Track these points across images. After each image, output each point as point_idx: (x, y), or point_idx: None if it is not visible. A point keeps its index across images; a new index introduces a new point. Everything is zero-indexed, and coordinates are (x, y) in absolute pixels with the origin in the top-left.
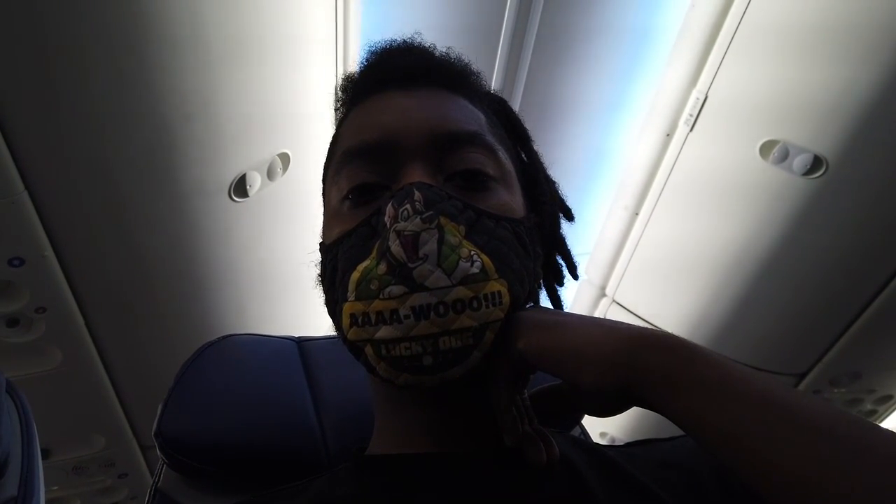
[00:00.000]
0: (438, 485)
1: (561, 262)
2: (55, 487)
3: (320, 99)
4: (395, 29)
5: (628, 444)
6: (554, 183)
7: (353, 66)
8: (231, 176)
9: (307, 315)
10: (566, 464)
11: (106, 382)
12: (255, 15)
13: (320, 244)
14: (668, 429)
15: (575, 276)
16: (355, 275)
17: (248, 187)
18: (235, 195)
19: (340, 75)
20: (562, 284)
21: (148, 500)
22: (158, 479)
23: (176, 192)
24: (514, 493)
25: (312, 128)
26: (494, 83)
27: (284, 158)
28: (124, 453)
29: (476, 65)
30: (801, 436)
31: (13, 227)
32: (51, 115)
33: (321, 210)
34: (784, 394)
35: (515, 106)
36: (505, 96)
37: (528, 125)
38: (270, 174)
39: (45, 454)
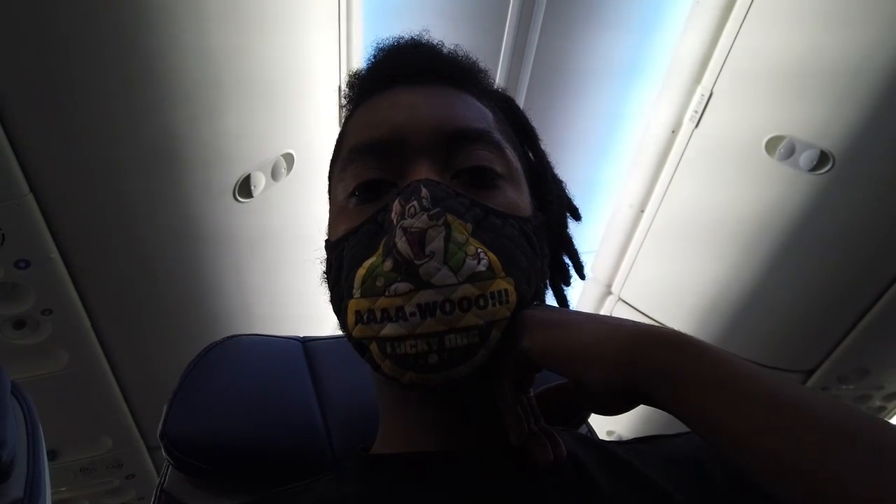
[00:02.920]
0: (444, 484)
1: (567, 261)
2: (63, 488)
3: (324, 98)
4: (398, 24)
5: (635, 441)
6: (561, 182)
7: (357, 65)
8: (235, 177)
9: (311, 315)
10: (573, 462)
11: (112, 383)
12: (258, 14)
13: (326, 241)
14: (676, 427)
15: (582, 276)
16: (361, 271)
17: (252, 188)
18: (240, 196)
19: (344, 74)
20: (568, 284)
21: (154, 501)
22: (164, 480)
23: (181, 194)
24: (520, 492)
25: (316, 128)
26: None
27: (288, 159)
28: (131, 454)
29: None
30: (810, 434)
31: (19, 229)
32: (55, 117)
33: (326, 209)
34: (793, 391)
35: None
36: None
37: (533, 123)
38: (275, 174)
39: (53, 455)
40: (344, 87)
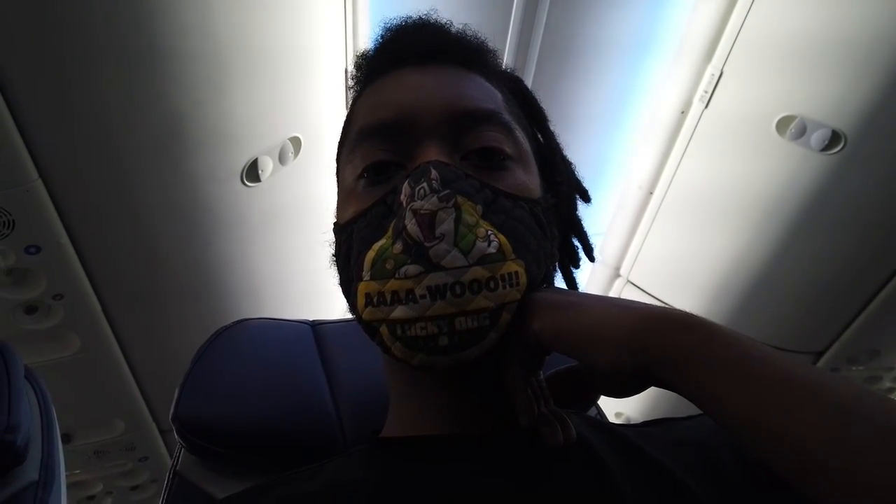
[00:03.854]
0: (454, 467)
1: (577, 243)
2: (78, 471)
3: (330, 82)
4: (404, 5)
5: (645, 424)
6: (570, 164)
7: (363, 48)
8: (243, 161)
9: (320, 299)
10: (583, 444)
11: (124, 367)
12: None
13: (334, 224)
14: (684, 409)
15: (591, 258)
16: (370, 254)
17: (260, 172)
18: (248, 180)
19: (350, 56)
20: (577, 266)
21: (167, 483)
22: (177, 463)
23: (188, 178)
24: (530, 474)
25: (323, 111)
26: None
27: (296, 142)
28: (144, 437)
29: (492, 39)
30: (824, 417)
31: (29, 215)
32: (63, 103)
33: (334, 192)
34: (806, 373)
35: (529, 80)
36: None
37: (542, 103)
38: (282, 158)
39: (67, 439)
40: (351, 68)
